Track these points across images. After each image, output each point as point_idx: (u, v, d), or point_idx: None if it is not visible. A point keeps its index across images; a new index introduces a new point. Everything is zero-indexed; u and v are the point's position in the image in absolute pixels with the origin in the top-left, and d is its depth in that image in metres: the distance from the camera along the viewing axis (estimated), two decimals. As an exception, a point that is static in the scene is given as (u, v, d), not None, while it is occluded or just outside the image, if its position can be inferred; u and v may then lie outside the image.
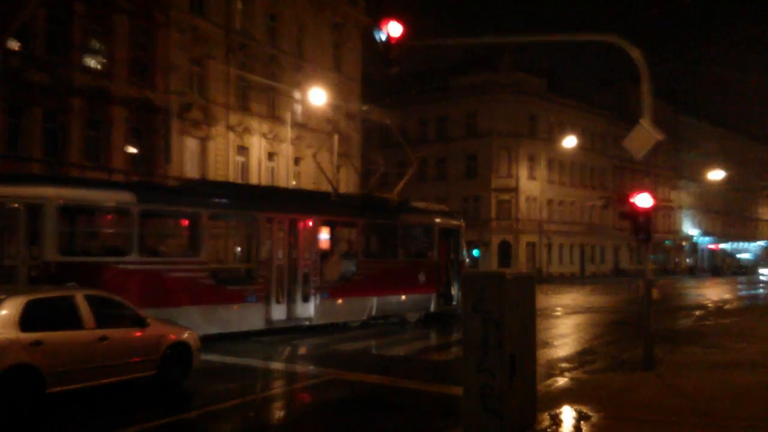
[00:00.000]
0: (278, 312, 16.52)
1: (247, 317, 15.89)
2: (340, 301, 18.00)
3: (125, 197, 14.37)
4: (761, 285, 49.19)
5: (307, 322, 17.21)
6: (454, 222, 22.70)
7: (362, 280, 18.63)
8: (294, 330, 17.05)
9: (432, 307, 20.69)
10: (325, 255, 18.62)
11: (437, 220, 21.90)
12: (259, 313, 16.13)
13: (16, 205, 12.76)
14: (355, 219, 19.22)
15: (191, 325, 12.52)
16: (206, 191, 17.28)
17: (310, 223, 17.50)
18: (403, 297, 19.84)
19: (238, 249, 19.80)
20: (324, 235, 19.40)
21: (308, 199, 20.06)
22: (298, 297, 16.97)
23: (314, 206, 18.55)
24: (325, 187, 38.94)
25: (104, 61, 29.41)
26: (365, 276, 18.75)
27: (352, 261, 19.02)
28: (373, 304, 18.85)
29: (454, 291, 21.28)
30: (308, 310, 17.20)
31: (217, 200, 16.45)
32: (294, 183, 38.70)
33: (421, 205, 22.63)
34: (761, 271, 73.27)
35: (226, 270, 17.10)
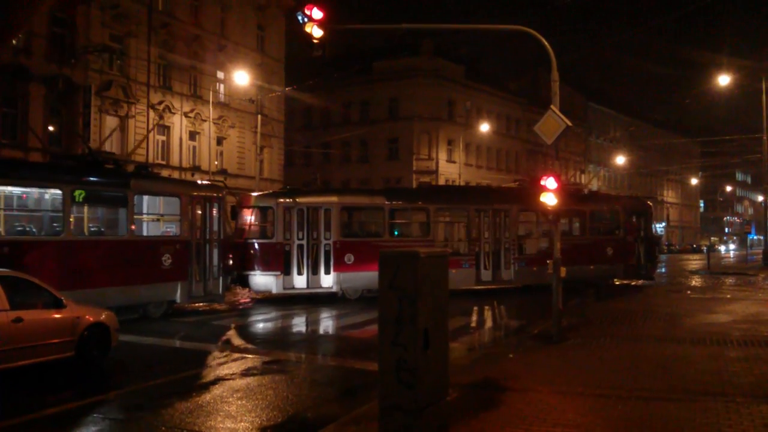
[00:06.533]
0: (486, 275, 22.59)
1: (463, 279, 21.60)
2: (535, 268, 22.11)
3: (380, 199, 21.75)
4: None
5: (508, 284, 22.62)
6: (641, 205, 27.85)
7: None
8: (226, 312, 18.60)
9: (621, 277, 25.79)
10: (525, 234, 23.89)
11: (622, 204, 27.00)
12: (471, 276, 22.23)
13: (319, 208, 20.22)
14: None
15: None
16: (433, 192, 24.37)
17: (510, 211, 23.09)
18: (591, 267, 24.44)
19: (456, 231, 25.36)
20: (524, 218, 24.26)
21: (508, 193, 24.68)
22: (501, 265, 22.78)
23: (513, 198, 23.57)
24: (248, 168, 39.27)
25: (22, 37, 28.57)
26: None
27: (545, 238, 23.40)
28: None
29: (644, 263, 26.03)
30: (509, 274, 22.90)
31: (440, 198, 23.69)
32: (216, 163, 38.64)
33: (612, 192, 26.89)
34: None
35: (447, 245, 22.56)
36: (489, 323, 16.90)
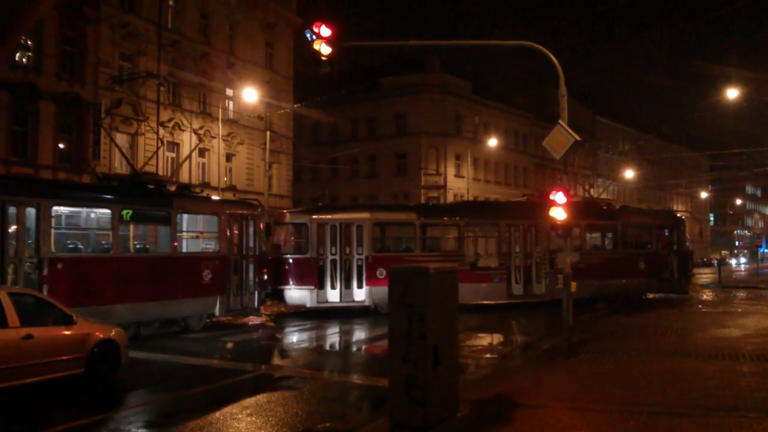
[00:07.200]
0: (516, 289, 22.70)
1: (493, 292, 22.30)
2: None
3: (411, 216, 22.13)
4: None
5: (540, 298, 22.67)
6: (673, 219, 28.09)
7: (585, 268, 22.51)
8: (229, 327, 18.61)
9: (653, 291, 26.02)
10: (556, 248, 22.79)
11: (654, 218, 27.46)
12: (502, 290, 22.51)
13: (352, 224, 20.86)
14: (578, 221, 23.38)
15: (459, 296, 18.42)
16: (463, 208, 25.31)
17: (540, 225, 22.59)
18: (624, 281, 24.61)
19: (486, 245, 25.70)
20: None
21: (538, 209, 24.16)
22: (533, 279, 22.98)
23: (542, 212, 21.92)
24: (257, 184, 39.40)
25: (32, 55, 28.89)
26: (588, 264, 23.07)
27: (577, 253, 22.70)
28: (595, 286, 23.05)
29: (677, 277, 26.09)
30: (540, 288, 23.01)
31: (470, 213, 23.98)
32: (225, 179, 38.78)
33: (644, 207, 26.38)
34: None
35: (478, 260, 23.08)
36: (503, 338, 16.76)
